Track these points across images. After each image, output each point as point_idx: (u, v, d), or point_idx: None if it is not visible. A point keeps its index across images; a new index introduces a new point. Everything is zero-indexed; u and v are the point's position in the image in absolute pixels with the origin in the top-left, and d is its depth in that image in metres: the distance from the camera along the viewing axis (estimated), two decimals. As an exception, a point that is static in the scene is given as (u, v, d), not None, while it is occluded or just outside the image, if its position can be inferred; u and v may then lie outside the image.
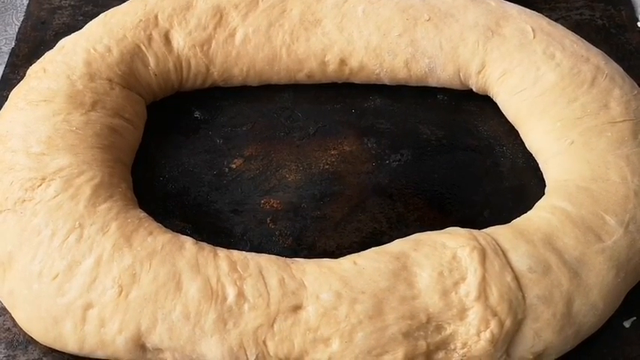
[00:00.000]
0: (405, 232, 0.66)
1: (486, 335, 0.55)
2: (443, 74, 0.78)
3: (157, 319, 0.55)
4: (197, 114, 0.78)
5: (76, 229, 0.58)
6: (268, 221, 0.69)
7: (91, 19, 0.78)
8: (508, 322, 0.55)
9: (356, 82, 0.80)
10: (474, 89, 0.79)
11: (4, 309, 0.61)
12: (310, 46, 0.77)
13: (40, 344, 0.59)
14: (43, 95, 0.67)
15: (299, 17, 0.77)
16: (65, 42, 0.73)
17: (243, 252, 0.61)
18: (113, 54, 0.71)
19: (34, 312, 0.57)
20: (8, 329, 0.60)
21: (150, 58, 0.73)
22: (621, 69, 0.75)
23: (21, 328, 0.60)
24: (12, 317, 0.60)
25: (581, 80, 0.72)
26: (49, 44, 0.80)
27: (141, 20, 0.73)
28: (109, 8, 0.78)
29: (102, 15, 0.76)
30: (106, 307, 0.56)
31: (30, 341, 0.60)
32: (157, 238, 0.59)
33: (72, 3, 0.90)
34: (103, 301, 0.56)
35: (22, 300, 0.58)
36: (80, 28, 0.76)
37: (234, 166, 0.74)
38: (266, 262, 0.59)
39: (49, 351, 0.59)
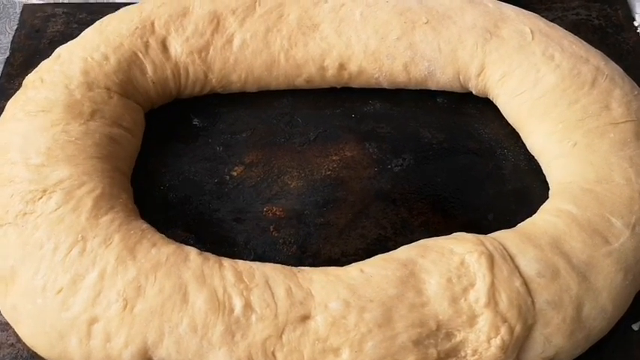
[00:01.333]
0: (410, 237, 0.66)
1: (497, 342, 0.54)
2: (442, 77, 0.78)
3: (164, 332, 0.54)
4: (196, 121, 0.78)
5: (79, 242, 0.57)
6: (271, 229, 0.69)
7: (85, 27, 0.77)
8: (518, 328, 0.55)
9: (355, 86, 0.80)
10: (474, 92, 0.79)
11: (8, 324, 0.60)
12: (309, 51, 0.76)
13: (45, 360, 0.58)
14: (41, 105, 0.66)
15: (297, 22, 0.77)
16: (61, 50, 0.72)
17: (248, 262, 0.60)
18: (110, 62, 0.70)
19: (39, 327, 0.56)
20: (12, 345, 0.60)
21: (147, 66, 0.73)
22: (621, 69, 0.75)
23: (25, 344, 0.59)
24: (15, 332, 0.59)
25: (581, 81, 0.71)
26: (44, 53, 0.79)
27: (137, 27, 0.72)
28: (104, 15, 0.77)
29: (97, 23, 0.75)
30: (111, 321, 0.55)
31: (34, 356, 0.59)
32: (161, 250, 0.58)
33: (65, 10, 0.89)
34: (108, 316, 0.55)
35: (25, 315, 0.57)
36: (75, 36, 0.76)
37: (235, 173, 0.73)
38: (272, 271, 0.58)
39: (54, 367, 0.58)
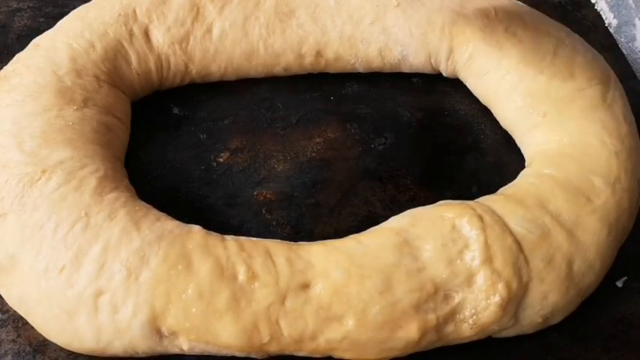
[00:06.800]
0: (400, 213, 0.67)
1: (495, 299, 0.56)
2: (415, 61, 0.80)
3: (171, 299, 0.54)
4: (176, 110, 0.77)
5: (82, 218, 0.56)
6: (264, 212, 0.69)
7: (53, 21, 0.75)
8: (514, 285, 0.57)
9: (332, 72, 0.81)
10: (445, 74, 0.81)
11: (7, 320, 0.59)
12: (286, 39, 0.77)
13: (48, 354, 0.57)
14: (29, 90, 0.64)
15: (273, 9, 0.77)
16: (39, 40, 0.70)
17: (248, 237, 0.60)
18: (97, 50, 0.69)
19: (47, 311, 0.55)
20: (13, 340, 0.58)
21: (132, 56, 0.72)
22: (582, 39, 0.78)
23: (27, 338, 0.58)
24: (15, 328, 0.58)
25: (543, 53, 0.73)
26: (14, 48, 0.77)
27: (120, 14, 0.71)
28: (71, 9, 0.76)
29: (74, 12, 0.74)
30: (116, 291, 0.54)
31: (37, 351, 0.57)
32: (165, 224, 0.58)
33: (31, 5, 0.87)
34: (112, 286, 0.54)
35: (33, 303, 0.55)
36: (43, 30, 0.74)
37: (221, 159, 0.73)
38: (272, 244, 0.59)
39: (57, 360, 0.58)
